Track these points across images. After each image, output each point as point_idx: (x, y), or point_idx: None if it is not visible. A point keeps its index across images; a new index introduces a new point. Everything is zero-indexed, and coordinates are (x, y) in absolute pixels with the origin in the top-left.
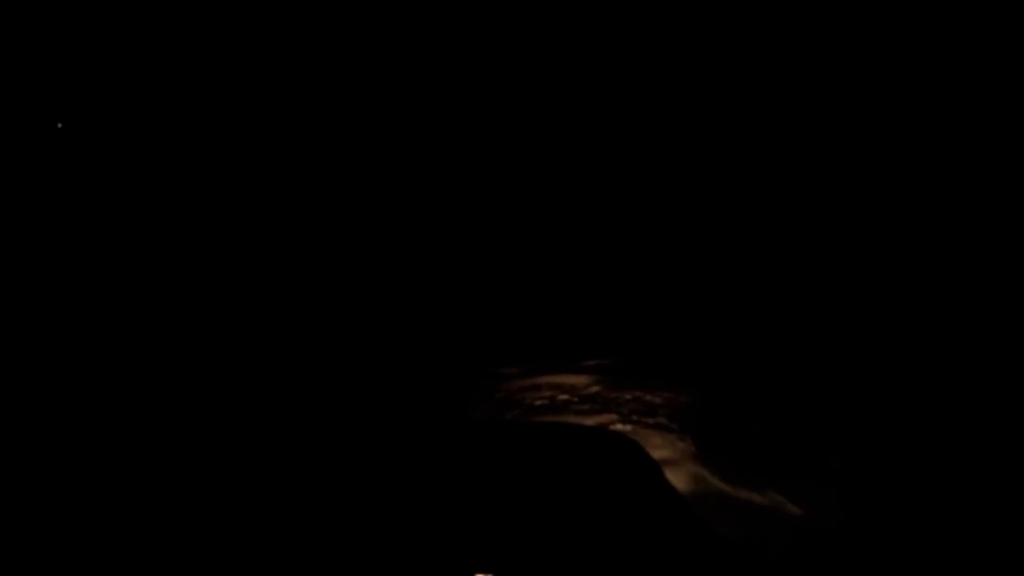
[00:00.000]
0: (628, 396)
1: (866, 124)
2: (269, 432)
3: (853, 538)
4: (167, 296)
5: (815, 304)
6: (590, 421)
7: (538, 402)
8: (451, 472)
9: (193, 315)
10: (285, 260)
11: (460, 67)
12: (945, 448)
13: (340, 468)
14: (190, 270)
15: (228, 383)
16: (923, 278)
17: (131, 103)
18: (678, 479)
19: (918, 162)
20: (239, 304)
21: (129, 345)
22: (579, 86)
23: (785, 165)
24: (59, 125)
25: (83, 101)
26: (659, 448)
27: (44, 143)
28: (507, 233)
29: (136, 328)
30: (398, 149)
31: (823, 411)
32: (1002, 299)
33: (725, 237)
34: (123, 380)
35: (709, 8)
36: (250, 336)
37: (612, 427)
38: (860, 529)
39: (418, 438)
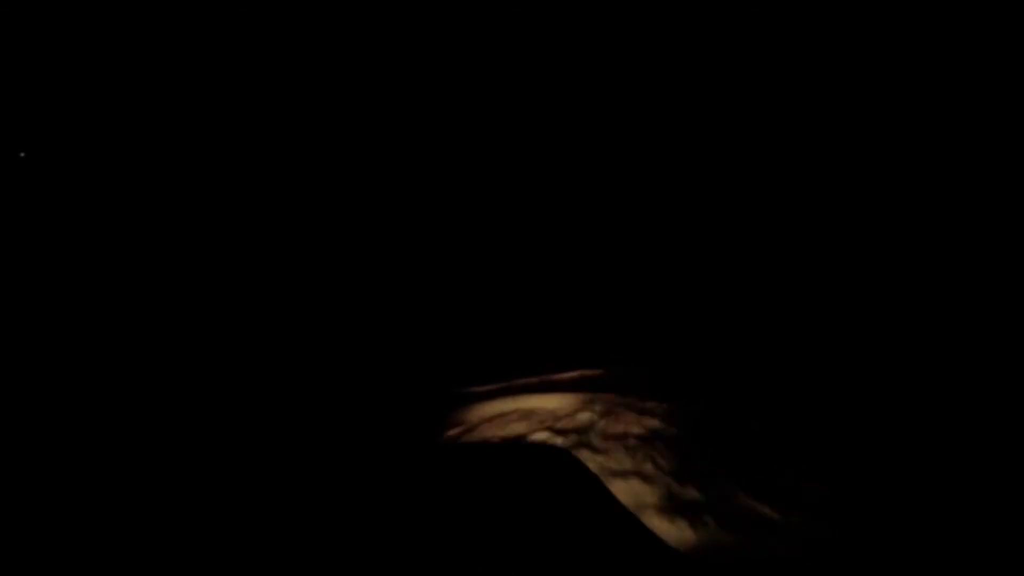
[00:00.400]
0: (637, 430)
1: (865, 125)
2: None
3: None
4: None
5: (812, 305)
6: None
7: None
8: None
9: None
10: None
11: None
12: (942, 453)
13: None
14: (163, 284)
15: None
16: (921, 280)
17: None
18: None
19: (916, 163)
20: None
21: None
22: (559, 92)
23: (778, 169)
24: (21, 154)
25: (46, 127)
26: None
27: (8, 171)
28: (482, 234)
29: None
30: (374, 157)
31: (822, 412)
32: (1000, 301)
33: (718, 238)
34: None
35: (709, 8)
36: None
37: (646, 517)
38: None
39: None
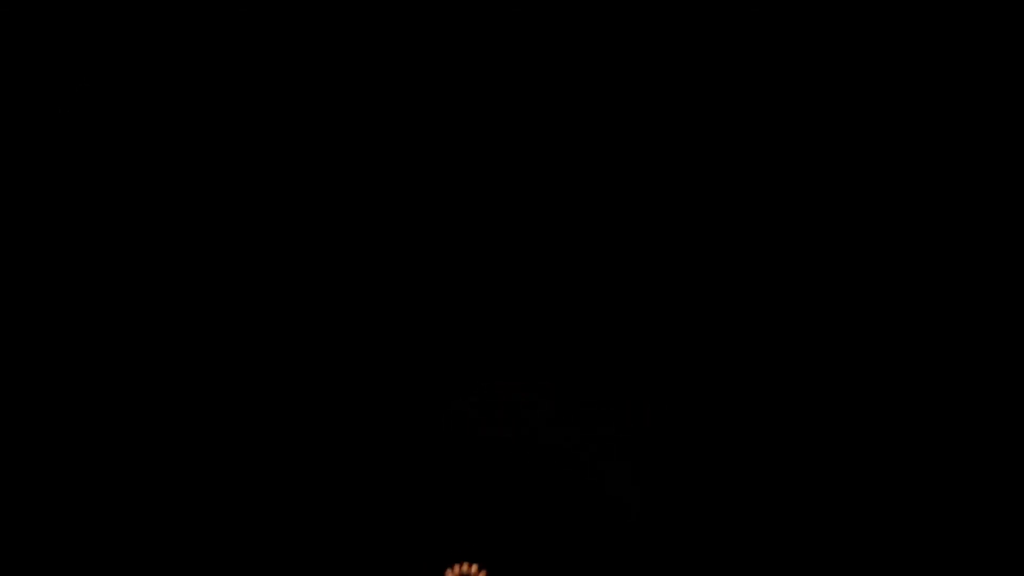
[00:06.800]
0: (627, 437)
1: (865, 125)
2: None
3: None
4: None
5: (812, 307)
6: None
7: None
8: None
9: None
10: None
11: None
12: (945, 457)
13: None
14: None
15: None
16: (922, 280)
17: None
18: None
19: (917, 162)
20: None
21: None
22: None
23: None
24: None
25: (79, 101)
26: None
27: (42, 144)
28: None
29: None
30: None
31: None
32: (1002, 302)
33: (716, 237)
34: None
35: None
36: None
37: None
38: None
39: None
